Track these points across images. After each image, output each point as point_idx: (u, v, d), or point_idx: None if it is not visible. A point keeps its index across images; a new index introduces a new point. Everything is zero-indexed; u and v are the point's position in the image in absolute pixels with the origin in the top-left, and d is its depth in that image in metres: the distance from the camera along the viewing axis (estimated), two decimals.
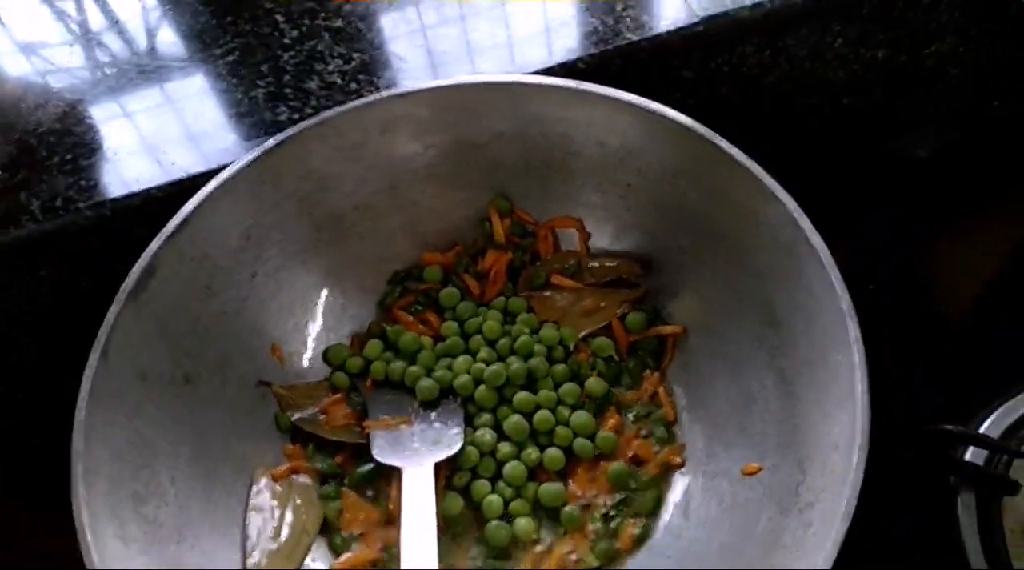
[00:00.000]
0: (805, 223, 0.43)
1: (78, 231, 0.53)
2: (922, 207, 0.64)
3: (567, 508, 0.46)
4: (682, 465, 0.48)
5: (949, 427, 0.49)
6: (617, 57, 0.55)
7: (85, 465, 0.41)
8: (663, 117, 0.47)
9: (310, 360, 0.53)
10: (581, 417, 0.48)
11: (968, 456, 0.50)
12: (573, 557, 0.45)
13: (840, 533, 0.35)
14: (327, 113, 0.50)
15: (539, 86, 0.50)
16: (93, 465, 0.41)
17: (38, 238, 0.52)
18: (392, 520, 0.47)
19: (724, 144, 0.46)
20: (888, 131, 0.69)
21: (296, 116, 0.54)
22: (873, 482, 0.52)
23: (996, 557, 0.47)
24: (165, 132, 0.56)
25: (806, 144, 0.67)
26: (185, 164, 0.53)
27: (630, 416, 0.50)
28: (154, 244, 0.46)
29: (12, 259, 0.53)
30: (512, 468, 0.47)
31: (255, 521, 0.46)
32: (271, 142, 0.49)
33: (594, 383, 0.50)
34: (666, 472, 0.48)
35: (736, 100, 0.63)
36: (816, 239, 0.42)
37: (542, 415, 0.48)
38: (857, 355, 0.39)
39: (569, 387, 0.49)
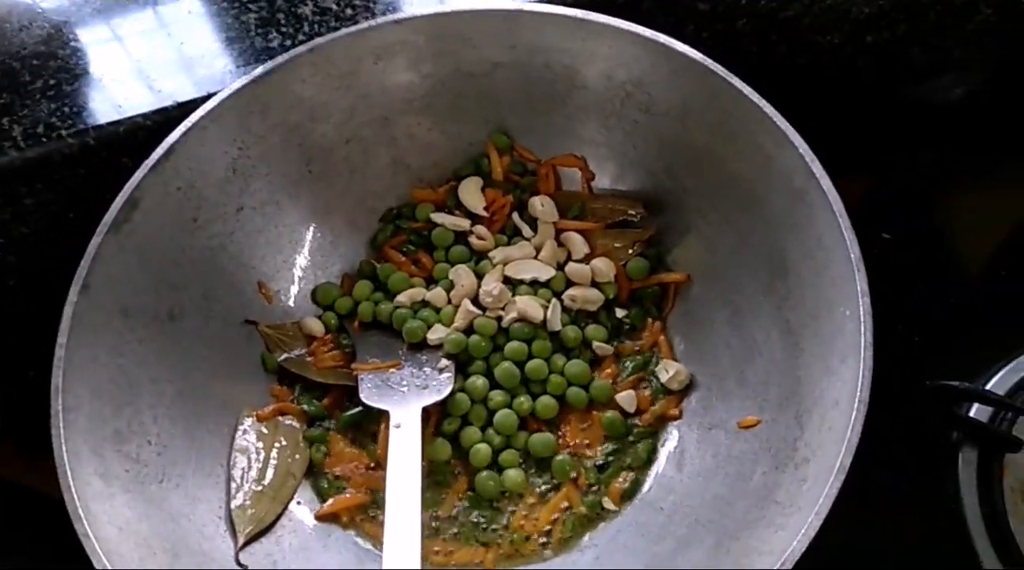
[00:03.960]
0: (818, 169, 0.40)
1: (62, 159, 0.51)
2: (943, 158, 0.62)
3: (559, 458, 0.45)
4: (679, 417, 0.46)
5: (954, 383, 0.47)
6: None
7: (65, 402, 0.40)
8: (672, 50, 0.45)
9: (298, 299, 0.51)
10: (576, 366, 0.47)
11: (972, 413, 0.49)
12: (563, 509, 0.44)
13: (834, 489, 0.34)
14: (318, 40, 0.48)
15: (541, 14, 0.47)
16: (73, 402, 0.40)
17: (20, 166, 0.50)
18: (380, 464, 0.46)
19: (736, 82, 0.43)
20: (912, 74, 0.66)
21: (288, 43, 0.52)
22: (874, 436, 0.50)
23: (993, 514, 0.46)
24: (153, 58, 0.53)
25: (824, 85, 0.64)
26: (172, 91, 0.51)
27: (628, 365, 0.48)
28: (137, 174, 0.45)
29: None
30: (503, 417, 0.46)
31: (240, 462, 0.45)
32: (259, 70, 0.47)
33: (593, 331, 0.48)
34: (662, 423, 0.46)
35: (752, 35, 0.59)
36: (828, 185, 0.40)
37: (535, 363, 0.47)
38: (863, 309, 0.37)
39: (571, 331, 0.48)
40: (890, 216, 0.60)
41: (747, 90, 0.43)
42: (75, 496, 0.37)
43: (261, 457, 0.46)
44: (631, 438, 0.46)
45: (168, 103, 0.50)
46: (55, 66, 0.53)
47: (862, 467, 0.49)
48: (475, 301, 0.49)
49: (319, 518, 0.45)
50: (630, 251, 0.50)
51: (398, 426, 0.44)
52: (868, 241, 0.57)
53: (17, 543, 0.51)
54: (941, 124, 0.64)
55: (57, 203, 0.53)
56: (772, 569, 0.33)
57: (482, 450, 0.45)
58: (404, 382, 0.47)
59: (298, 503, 0.45)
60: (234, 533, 0.42)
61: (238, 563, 0.41)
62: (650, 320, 0.49)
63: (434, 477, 0.46)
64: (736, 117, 0.44)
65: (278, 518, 0.44)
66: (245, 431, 0.46)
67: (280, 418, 0.47)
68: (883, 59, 0.66)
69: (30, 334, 0.42)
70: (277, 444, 0.47)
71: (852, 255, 0.38)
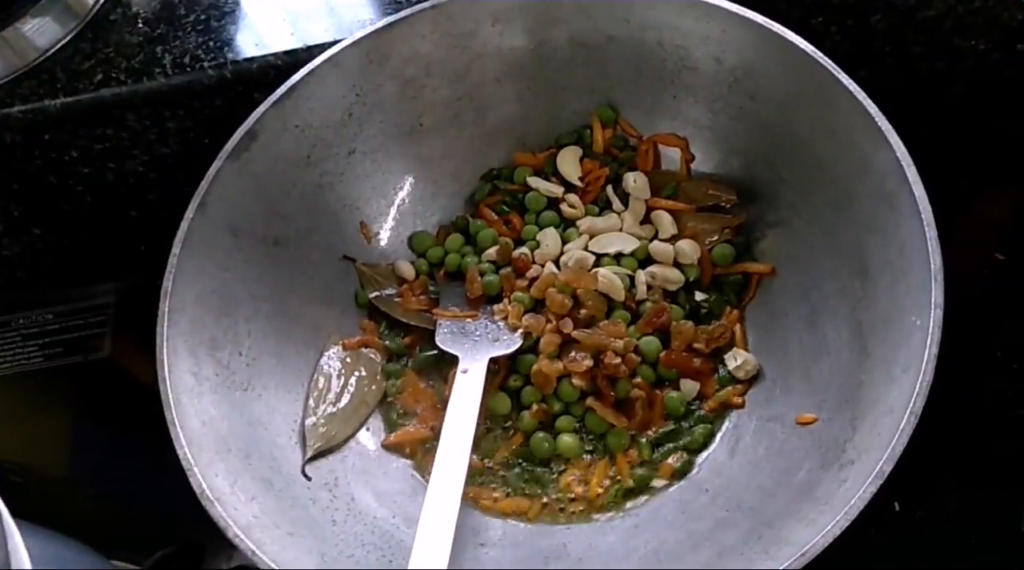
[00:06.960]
0: (912, 174, 0.39)
1: (202, 89, 0.55)
2: None
3: (614, 430, 0.46)
4: (742, 406, 0.46)
5: None
6: None
7: (171, 304, 0.44)
8: (782, 39, 0.44)
9: (394, 242, 0.54)
10: (650, 343, 0.48)
11: None
12: (611, 477, 0.46)
13: (868, 493, 0.33)
14: None
15: None
16: (179, 305, 0.44)
17: (166, 91, 0.55)
18: (447, 405, 0.48)
19: (843, 77, 0.42)
20: None
21: None
22: (959, 466, 0.49)
23: None
24: (296, 2, 0.57)
25: (962, 93, 0.61)
26: (307, 34, 0.55)
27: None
28: (259, 109, 0.48)
29: (143, 109, 0.57)
30: (565, 384, 0.47)
31: (320, 384, 0.49)
32: (381, 23, 0.50)
33: (673, 311, 0.49)
34: (723, 410, 0.47)
35: (886, 34, 0.57)
36: (920, 193, 0.39)
37: None
38: (933, 321, 0.36)
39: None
40: (1013, 236, 0.57)
41: (851, 84, 0.42)
42: (169, 387, 0.42)
43: (340, 382, 0.49)
44: (690, 421, 0.46)
45: (300, 46, 0.54)
46: (208, 2, 0.58)
47: (943, 492, 0.48)
48: (557, 265, 0.50)
49: (384, 446, 0.48)
50: (717, 236, 0.50)
51: (465, 371, 0.47)
52: (980, 261, 0.56)
53: (122, 425, 0.57)
54: None
55: (195, 129, 0.58)
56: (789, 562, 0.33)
57: (527, 416, 0.47)
58: (478, 332, 0.49)
59: (367, 430, 0.49)
60: (304, 447, 0.46)
61: (303, 473, 0.45)
62: (728, 308, 0.49)
63: (493, 428, 0.48)
64: (838, 112, 0.43)
65: (346, 440, 0.47)
66: (330, 357, 0.50)
67: (363, 349, 0.51)
68: None
69: (165, 245, 0.47)
70: (357, 373, 0.50)
71: (932, 266, 0.37)
